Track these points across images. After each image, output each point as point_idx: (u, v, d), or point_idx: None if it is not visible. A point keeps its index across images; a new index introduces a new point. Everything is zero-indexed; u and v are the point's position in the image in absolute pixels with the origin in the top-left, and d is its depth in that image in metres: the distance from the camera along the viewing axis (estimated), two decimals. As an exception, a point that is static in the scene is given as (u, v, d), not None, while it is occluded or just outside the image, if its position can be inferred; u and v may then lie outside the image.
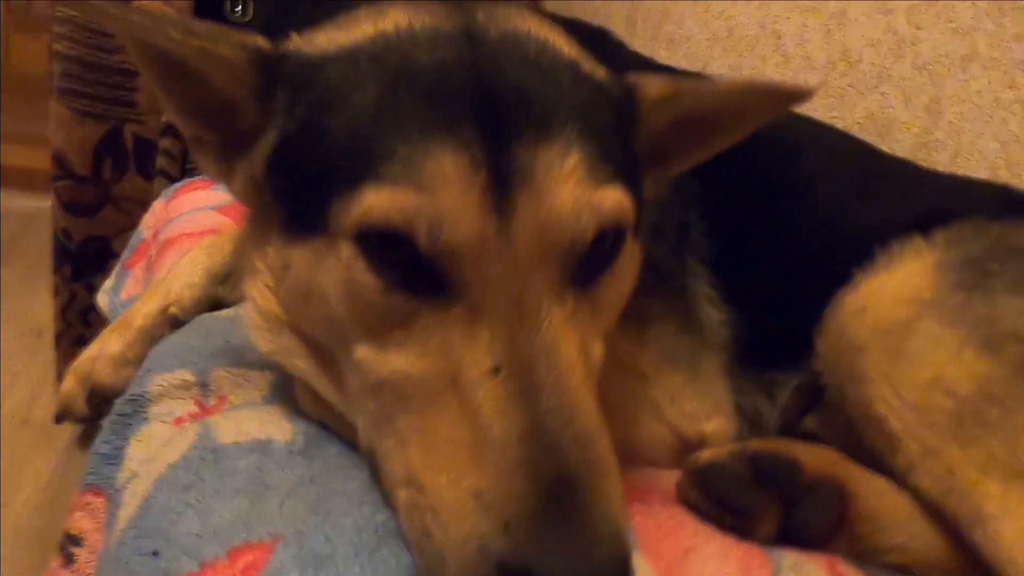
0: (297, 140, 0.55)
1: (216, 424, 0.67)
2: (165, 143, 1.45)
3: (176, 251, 1.11)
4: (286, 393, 0.73)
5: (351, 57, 0.55)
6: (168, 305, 0.90)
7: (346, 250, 0.51)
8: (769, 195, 0.87)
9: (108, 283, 1.33)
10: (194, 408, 0.74)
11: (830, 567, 0.61)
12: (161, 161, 1.46)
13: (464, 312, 0.49)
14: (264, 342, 0.65)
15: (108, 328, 0.92)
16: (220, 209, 1.24)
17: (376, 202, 0.48)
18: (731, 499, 0.62)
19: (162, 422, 0.73)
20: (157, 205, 1.40)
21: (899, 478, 0.67)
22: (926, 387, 0.65)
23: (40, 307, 2.12)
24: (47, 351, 1.91)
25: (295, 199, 0.56)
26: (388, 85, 0.52)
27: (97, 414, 0.86)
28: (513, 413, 0.45)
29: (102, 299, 1.28)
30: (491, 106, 0.51)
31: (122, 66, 1.45)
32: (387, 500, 0.53)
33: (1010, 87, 1.35)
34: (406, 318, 0.50)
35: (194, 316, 0.91)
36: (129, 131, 1.49)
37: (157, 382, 0.77)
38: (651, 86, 0.61)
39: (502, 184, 0.49)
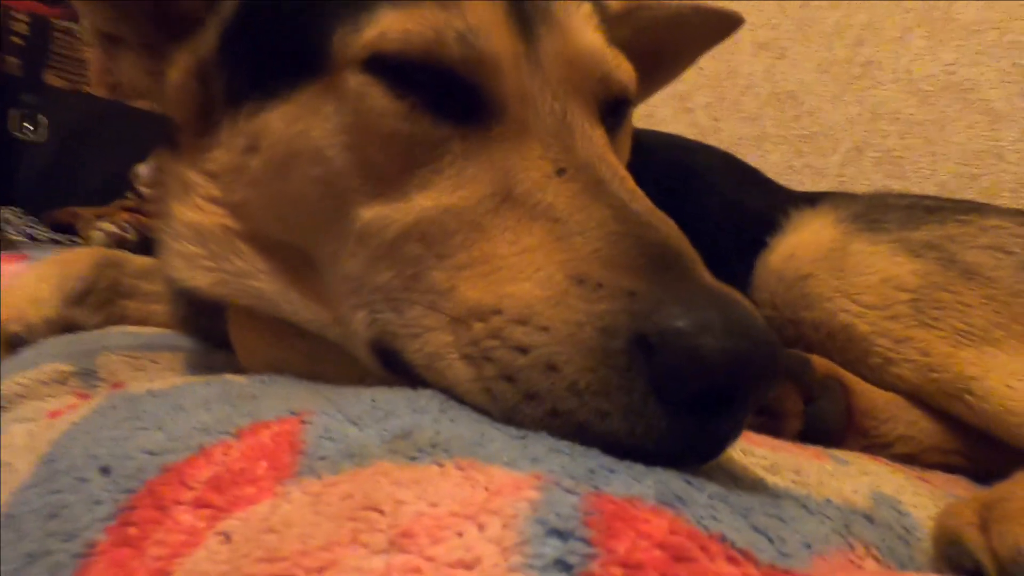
0: None
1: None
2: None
3: None
4: (217, 367, 0.57)
5: None
6: (7, 322, 0.69)
7: (355, 80, 0.45)
8: (681, 181, 0.92)
9: None
10: (76, 401, 0.55)
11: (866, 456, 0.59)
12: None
13: (508, 130, 0.45)
14: (203, 273, 0.52)
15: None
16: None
17: (395, 21, 0.44)
18: (754, 398, 0.59)
19: (25, 422, 0.53)
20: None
21: (875, 381, 0.68)
22: (879, 287, 0.70)
23: None
24: None
25: (274, 53, 0.49)
26: None
27: None
28: (593, 202, 0.41)
29: None
30: None
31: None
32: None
33: (798, 156, 1.63)
34: (432, 150, 0.44)
35: (42, 338, 0.71)
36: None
37: (14, 382, 0.57)
38: (611, 3, 0.64)
39: (524, 18, 0.48)
